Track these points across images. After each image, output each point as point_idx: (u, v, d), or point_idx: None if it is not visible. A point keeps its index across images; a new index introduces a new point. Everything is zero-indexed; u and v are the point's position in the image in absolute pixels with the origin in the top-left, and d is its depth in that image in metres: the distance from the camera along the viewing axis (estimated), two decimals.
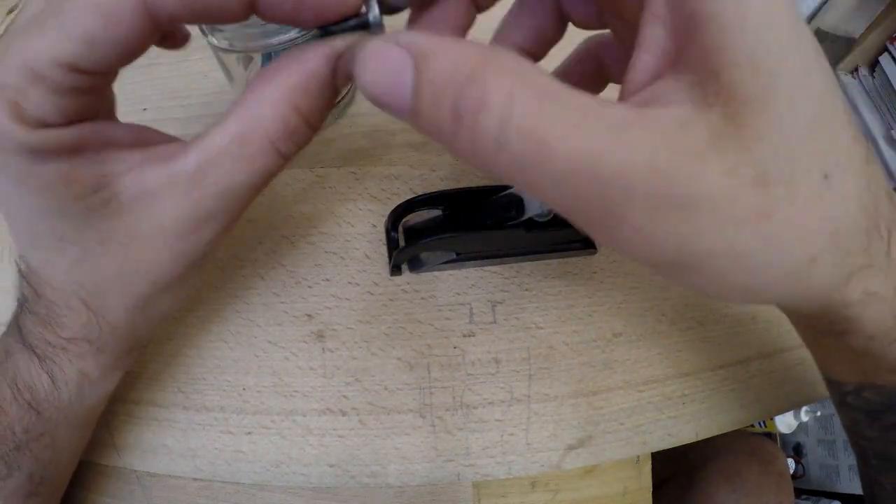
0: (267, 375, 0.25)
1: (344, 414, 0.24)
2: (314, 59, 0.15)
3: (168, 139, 0.17)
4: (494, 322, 0.26)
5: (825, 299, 0.13)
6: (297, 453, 0.24)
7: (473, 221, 0.23)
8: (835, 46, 0.78)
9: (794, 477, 0.89)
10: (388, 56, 0.12)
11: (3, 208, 0.16)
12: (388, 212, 0.25)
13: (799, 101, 0.11)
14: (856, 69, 0.82)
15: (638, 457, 0.26)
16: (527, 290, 0.26)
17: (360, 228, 0.27)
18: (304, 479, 0.24)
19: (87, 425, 0.21)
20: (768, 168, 0.10)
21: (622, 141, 0.10)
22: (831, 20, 0.75)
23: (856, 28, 0.77)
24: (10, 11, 0.39)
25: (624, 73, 0.13)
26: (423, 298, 0.26)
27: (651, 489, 0.26)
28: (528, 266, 0.26)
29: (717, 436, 0.26)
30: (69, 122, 0.14)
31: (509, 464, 0.24)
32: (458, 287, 0.26)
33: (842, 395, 0.17)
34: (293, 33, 0.20)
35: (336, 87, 0.15)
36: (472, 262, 0.26)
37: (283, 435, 0.24)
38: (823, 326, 0.15)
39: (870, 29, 0.78)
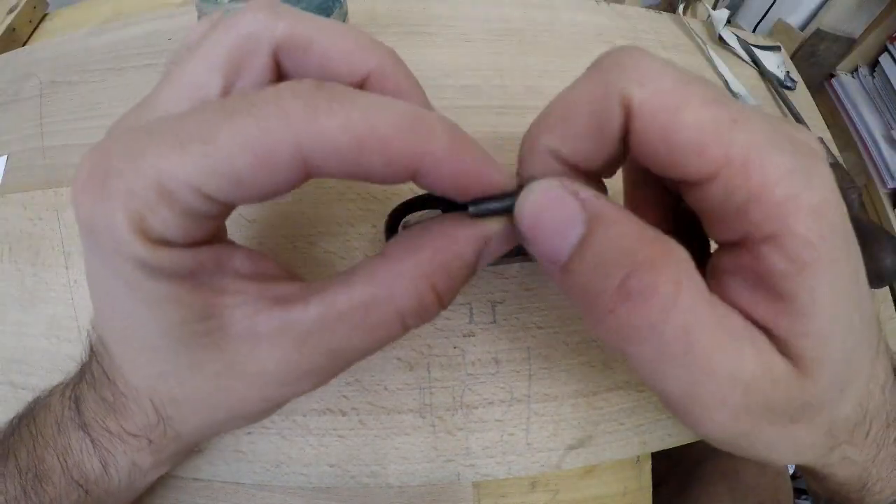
0: None
1: (344, 414, 0.24)
2: (464, 242, 0.14)
3: (287, 274, 0.16)
4: (494, 322, 0.26)
5: (812, 462, 0.17)
6: (297, 453, 0.24)
7: None
8: (835, 46, 0.78)
9: (794, 477, 0.89)
10: (562, 204, 0.13)
11: (94, 293, 0.15)
12: (388, 212, 0.25)
13: (842, 357, 0.13)
14: (856, 69, 0.82)
15: (638, 457, 0.26)
16: (527, 290, 0.26)
17: (360, 228, 0.27)
18: (304, 479, 0.24)
19: (132, 501, 0.20)
20: (808, 400, 0.14)
21: (737, 353, 0.13)
22: (831, 20, 0.75)
23: (856, 28, 0.77)
24: (11, 11, 0.39)
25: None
26: None
27: (651, 489, 0.26)
28: (528, 266, 0.26)
29: None
30: (191, 244, 0.13)
31: (509, 464, 0.24)
32: None
33: (817, 501, 0.23)
34: None
35: (476, 269, 0.15)
36: None
37: (283, 435, 0.24)
38: (809, 471, 0.19)
39: (870, 29, 0.77)
